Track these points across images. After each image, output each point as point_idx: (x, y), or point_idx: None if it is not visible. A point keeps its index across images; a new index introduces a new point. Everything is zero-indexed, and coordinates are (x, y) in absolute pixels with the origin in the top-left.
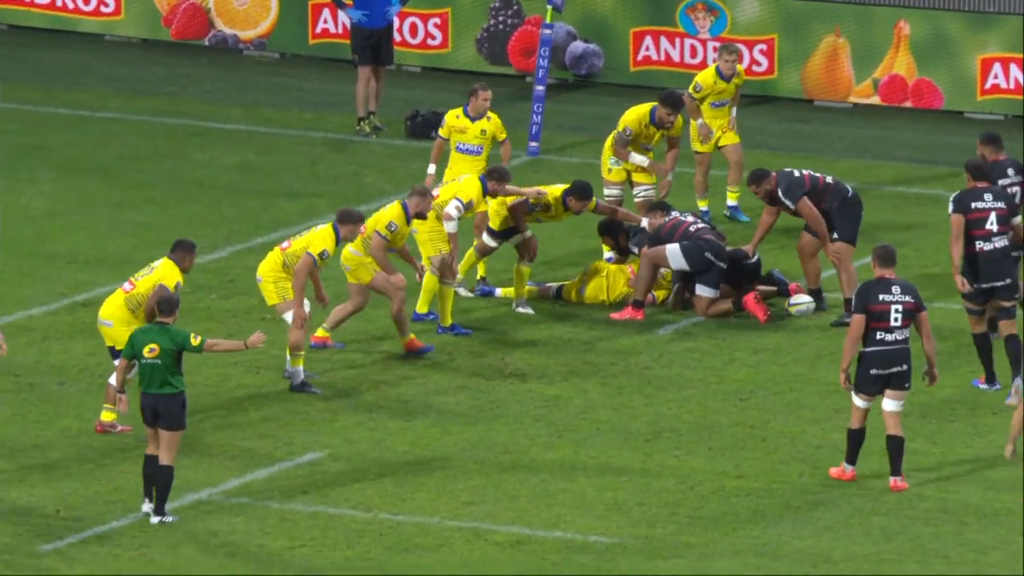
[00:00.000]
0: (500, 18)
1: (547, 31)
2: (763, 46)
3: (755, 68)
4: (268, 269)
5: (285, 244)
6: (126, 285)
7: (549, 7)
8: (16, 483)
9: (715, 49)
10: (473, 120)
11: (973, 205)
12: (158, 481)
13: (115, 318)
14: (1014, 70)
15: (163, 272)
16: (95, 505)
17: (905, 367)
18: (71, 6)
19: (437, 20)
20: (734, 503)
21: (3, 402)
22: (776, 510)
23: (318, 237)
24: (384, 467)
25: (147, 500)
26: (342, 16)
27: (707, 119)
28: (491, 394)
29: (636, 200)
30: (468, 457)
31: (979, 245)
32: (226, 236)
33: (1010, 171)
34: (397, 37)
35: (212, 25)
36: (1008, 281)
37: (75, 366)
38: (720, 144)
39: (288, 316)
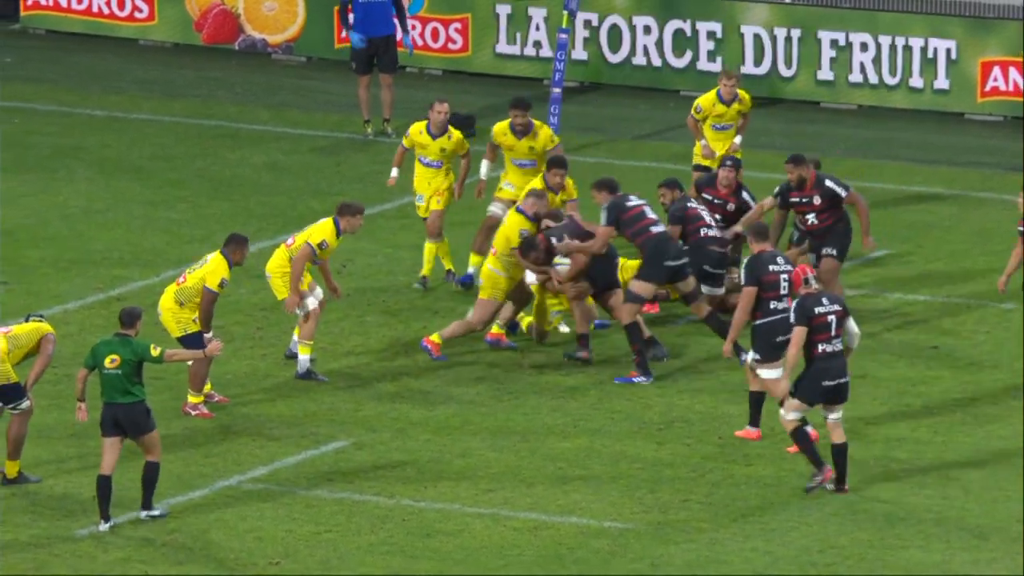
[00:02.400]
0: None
1: (563, 35)
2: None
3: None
4: (275, 265)
5: (290, 241)
6: (180, 278)
7: (565, 12)
8: (53, 470)
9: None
10: (435, 137)
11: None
12: (146, 476)
13: (164, 308)
14: (1013, 73)
15: (211, 267)
16: (129, 491)
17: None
18: (106, 12)
19: (458, 25)
20: (743, 490)
21: (41, 392)
22: (784, 497)
23: (318, 229)
24: (407, 455)
25: (103, 521)
26: (344, 32)
27: (709, 140)
28: (509, 385)
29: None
30: (487, 446)
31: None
32: (255, 233)
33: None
34: (419, 42)
35: (242, 30)
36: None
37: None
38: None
39: (296, 311)
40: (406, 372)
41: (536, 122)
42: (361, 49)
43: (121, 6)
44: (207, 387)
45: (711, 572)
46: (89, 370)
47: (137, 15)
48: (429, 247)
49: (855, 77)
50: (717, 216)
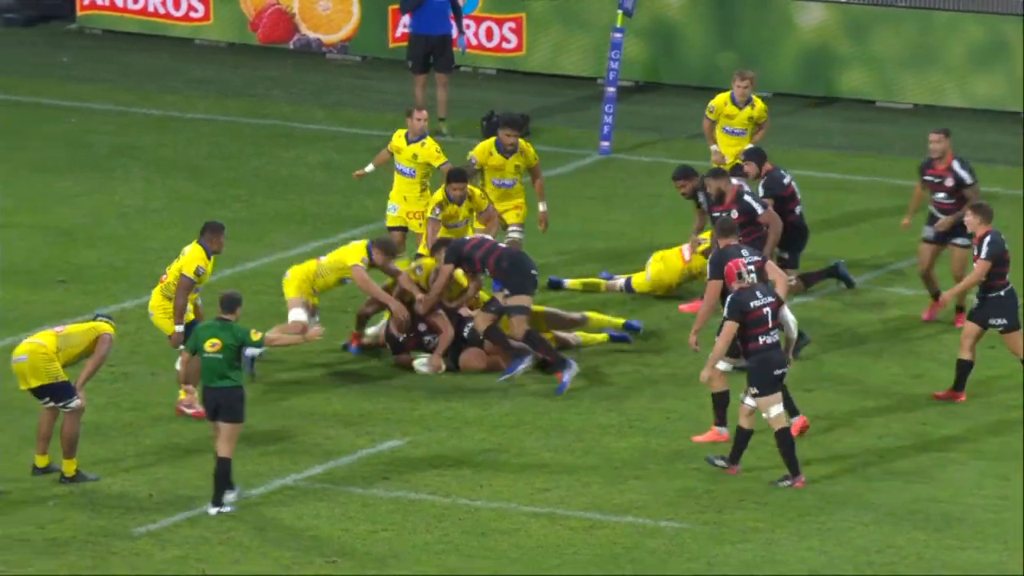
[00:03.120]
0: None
1: (617, 35)
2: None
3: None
4: (301, 272)
5: (322, 257)
6: (163, 276)
7: (619, 11)
8: (111, 468)
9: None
10: (409, 142)
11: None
12: (218, 474)
13: (154, 308)
14: None
15: (188, 256)
16: (186, 489)
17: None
18: (162, 11)
19: (512, 24)
20: (799, 490)
21: (99, 391)
22: (840, 497)
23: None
24: (462, 454)
25: (228, 493)
26: (401, 23)
27: (722, 146)
28: (567, 390)
29: (508, 239)
30: (542, 445)
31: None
32: (310, 232)
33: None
34: (473, 41)
35: (296, 29)
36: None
37: (167, 356)
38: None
39: (294, 313)
40: (461, 372)
41: (521, 140)
42: (419, 42)
43: (177, 6)
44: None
45: (767, 572)
46: (192, 353)
47: (193, 15)
48: (401, 263)
49: (910, 76)
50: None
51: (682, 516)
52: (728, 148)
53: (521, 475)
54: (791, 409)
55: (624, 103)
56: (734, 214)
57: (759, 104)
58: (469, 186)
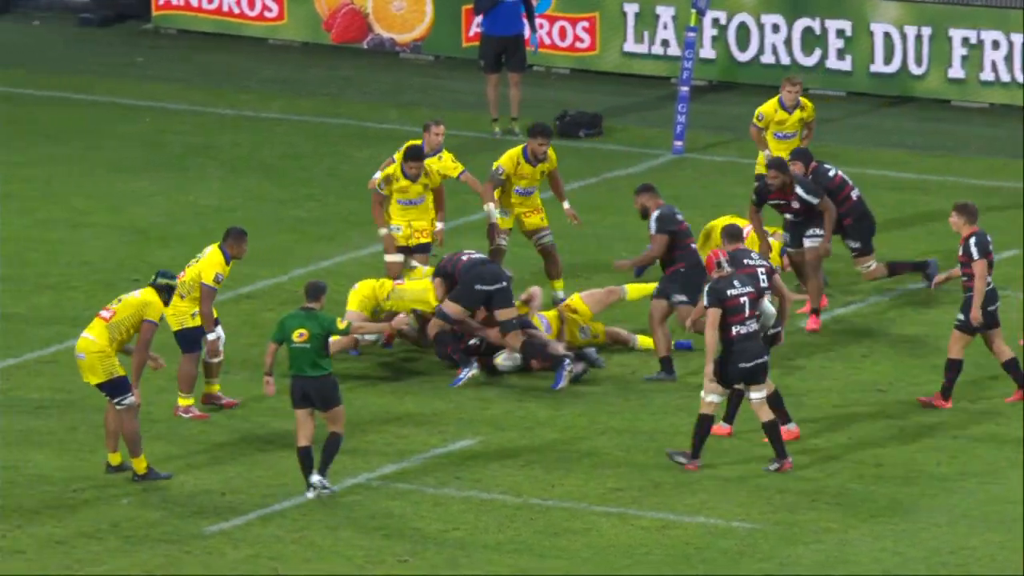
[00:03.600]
0: None
1: (691, 34)
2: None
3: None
4: (368, 288)
5: (106, 314)
6: (180, 273)
7: (693, 10)
8: (183, 467)
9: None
10: (425, 156)
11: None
12: (327, 445)
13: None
14: None
15: (207, 262)
16: (258, 488)
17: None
18: (236, 11)
19: (586, 23)
20: (873, 491)
21: (173, 391)
22: (914, 497)
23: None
24: (534, 454)
25: (310, 489)
26: (475, 23)
27: (772, 151)
28: (636, 384)
29: (537, 247)
30: (614, 445)
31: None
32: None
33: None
34: (547, 40)
35: (370, 29)
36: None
37: (238, 356)
38: None
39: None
40: (534, 372)
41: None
42: (491, 42)
43: (251, 5)
44: (215, 387)
45: (840, 573)
46: (277, 344)
47: (267, 14)
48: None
49: (986, 75)
50: (789, 216)
51: (754, 516)
52: (779, 152)
53: (593, 475)
54: (783, 416)
55: (697, 102)
56: (794, 204)
57: (808, 105)
58: (427, 163)
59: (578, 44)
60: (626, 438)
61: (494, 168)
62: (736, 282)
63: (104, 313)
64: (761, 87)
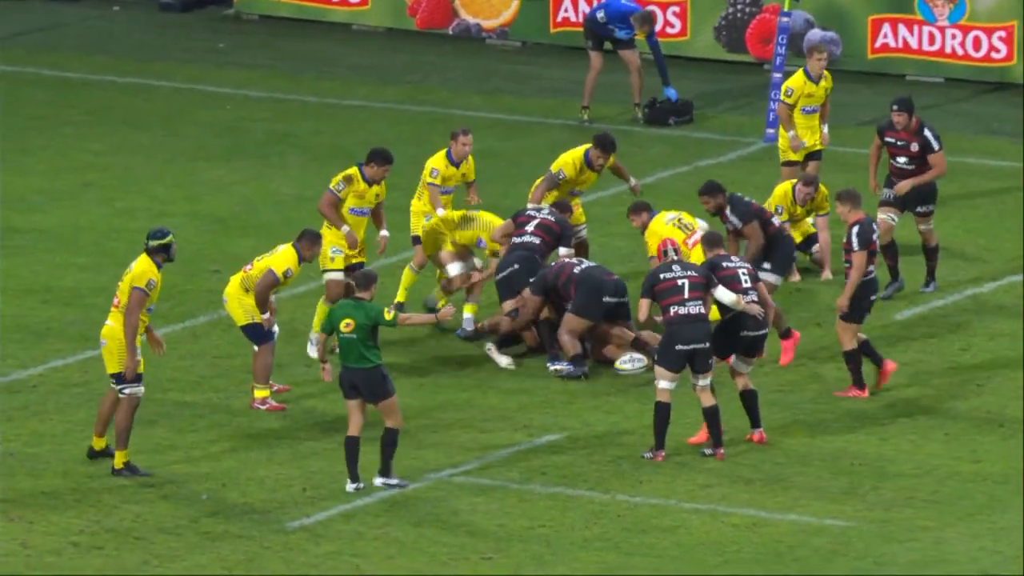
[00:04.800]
0: (738, 6)
1: (785, 19)
2: (1002, 33)
3: (993, 55)
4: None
5: (248, 267)
6: (247, 266)
7: None
8: (264, 462)
9: (953, 36)
10: (457, 166)
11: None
12: (384, 442)
13: (229, 295)
14: None
15: (280, 256)
16: (340, 484)
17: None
18: None
19: (676, 8)
20: (970, 488)
21: (243, 389)
22: (1011, 495)
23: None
24: (621, 449)
25: (349, 481)
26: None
27: (800, 128)
28: (728, 380)
29: (577, 239)
30: (703, 441)
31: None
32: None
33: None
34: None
35: (456, 14)
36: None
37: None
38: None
39: (451, 268)
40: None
41: None
42: (593, 32)
43: None
44: (264, 392)
45: (936, 572)
46: (327, 334)
47: (351, 0)
48: (409, 276)
49: None
50: (902, 159)
51: (848, 514)
52: (806, 130)
53: (682, 471)
54: (755, 421)
55: None
56: (913, 147)
57: (828, 75)
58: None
59: (668, 29)
60: None
61: (554, 171)
62: (675, 267)
63: (115, 300)
64: (855, 74)
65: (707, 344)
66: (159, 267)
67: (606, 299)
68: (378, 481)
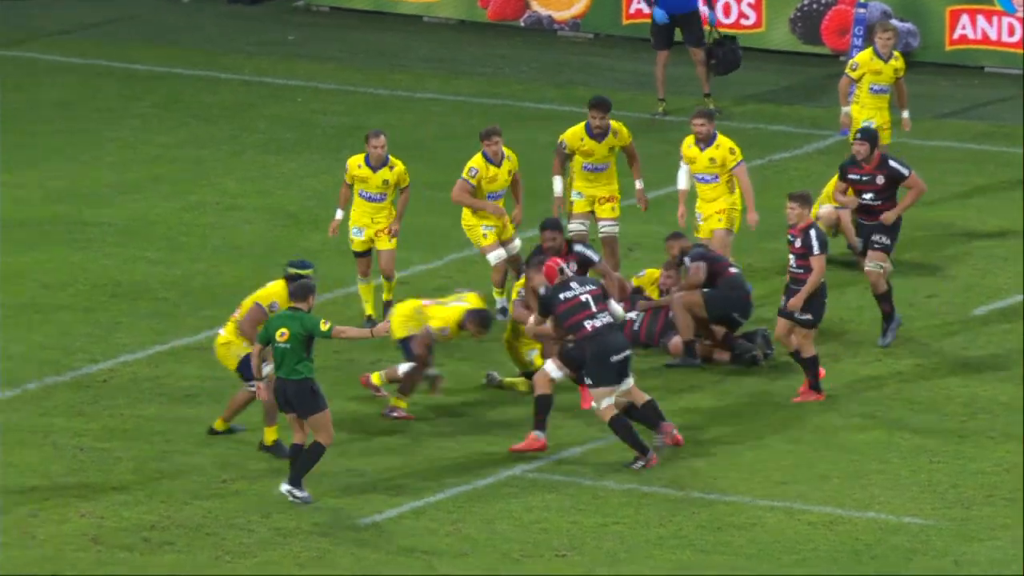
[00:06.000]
0: None
1: (861, 10)
2: None
3: None
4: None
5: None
6: (235, 312)
7: None
8: (336, 457)
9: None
10: (375, 170)
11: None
12: (306, 454)
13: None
14: None
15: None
16: (412, 479)
17: None
18: None
19: (751, 0)
20: None
21: (323, 379)
22: None
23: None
24: (696, 446)
25: (288, 484)
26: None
27: (867, 108)
28: (802, 374)
29: (600, 235)
30: (781, 437)
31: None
32: (541, 214)
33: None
34: (721, 18)
35: (527, 6)
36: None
37: (391, 342)
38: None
39: (491, 256)
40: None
41: (613, 122)
42: (662, 24)
43: None
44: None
45: (1017, 572)
46: (263, 344)
47: None
48: (366, 288)
49: None
50: (868, 195)
51: (927, 512)
52: (875, 110)
53: (757, 468)
54: (658, 418)
55: None
56: (879, 180)
57: (900, 56)
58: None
59: (743, 21)
60: (793, 430)
61: (559, 141)
62: (573, 284)
63: (235, 312)
64: (934, 65)
65: (632, 350)
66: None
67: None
68: (283, 488)
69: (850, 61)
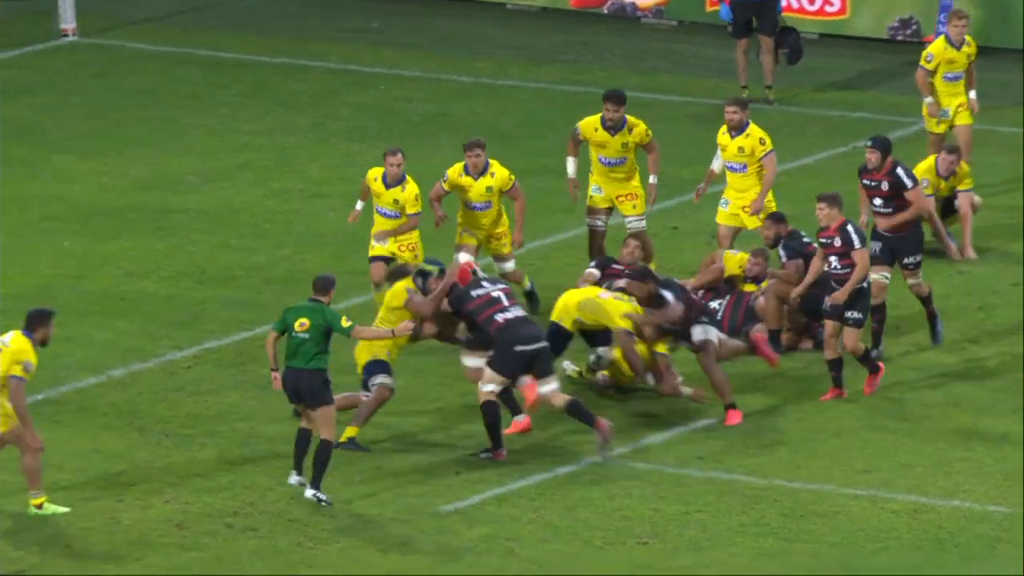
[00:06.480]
0: None
1: None
2: None
3: None
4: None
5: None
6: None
7: None
8: (417, 444)
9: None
10: (388, 187)
11: None
12: (317, 455)
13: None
14: None
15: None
16: (493, 467)
17: None
18: None
19: None
20: None
21: (405, 366)
22: None
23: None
24: (778, 434)
25: (294, 472)
26: None
27: (942, 95)
28: (888, 363)
29: (628, 230)
30: (863, 425)
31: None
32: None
33: None
34: (795, 4)
35: None
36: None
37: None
38: (953, 123)
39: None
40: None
41: (630, 117)
42: (739, 6)
43: None
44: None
45: None
46: (279, 334)
47: None
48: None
49: None
50: (877, 201)
51: (1012, 501)
52: (948, 97)
53: (840, 456)
54: (513, 409)
55: None
56: (884, 186)
57: (972, 41)
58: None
59: (827, 8)
60: (876, 418)
61: (575, 127)
62: (484, 283)
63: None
64: (1012, 51)
65: (547, 344)
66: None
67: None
68: (309, 493)
69: (924, 52)
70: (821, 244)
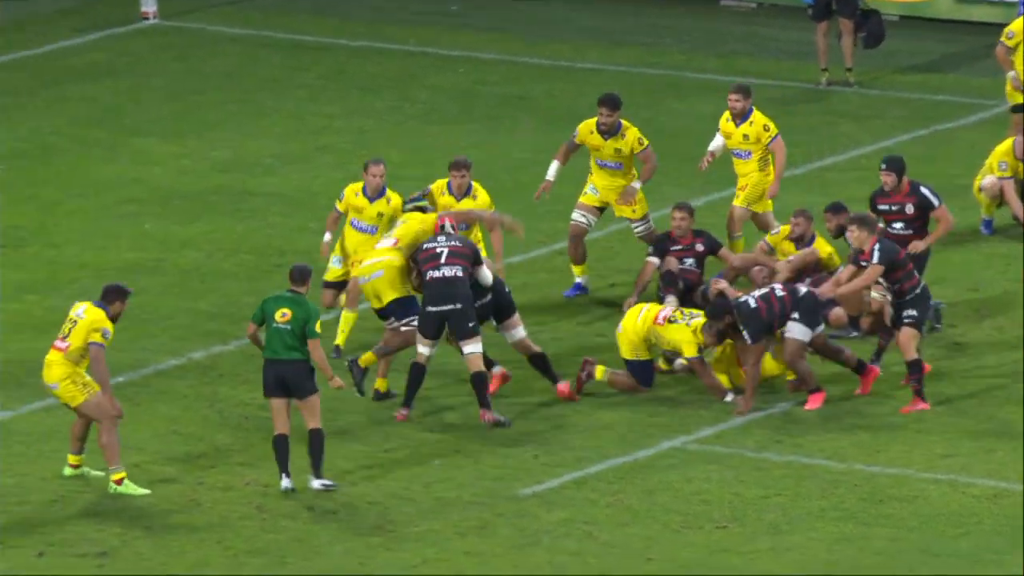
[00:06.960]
0: None
1: None
2: None
3: None
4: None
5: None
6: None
7: None
8: (494, 428)
9: None
10: (371, 200)
11: None
12: (311, 445)
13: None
14: None
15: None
16: (571, 451)
17: None
18: None
19: None
20: None
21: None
22: None
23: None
24: (858, 418)
25: (284, 476)
26: None
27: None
28: (967, 348)
29: (636, 234)
30: (944, 409)
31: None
32: (701, 187)
33: None
34: None
35: None
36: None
37: (547, 312)
38: None
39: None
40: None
41: (624, 122)
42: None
43: None
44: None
45: None
46: (258, 325)
47: None
48: (348, 316)
49: None
50: (898, 224)
51: None
52: None
53: (920, 440)
54: (487, 363)
55: None
56: (908, 209)
57: None
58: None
59: None
60: (957, 402)
61: (573, 132)
62: (440, 237)
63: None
64: None
65: (460, 305)
66: None
67: None
68: (315, 484)
69: (1005, 29)
70: (863, 266)
